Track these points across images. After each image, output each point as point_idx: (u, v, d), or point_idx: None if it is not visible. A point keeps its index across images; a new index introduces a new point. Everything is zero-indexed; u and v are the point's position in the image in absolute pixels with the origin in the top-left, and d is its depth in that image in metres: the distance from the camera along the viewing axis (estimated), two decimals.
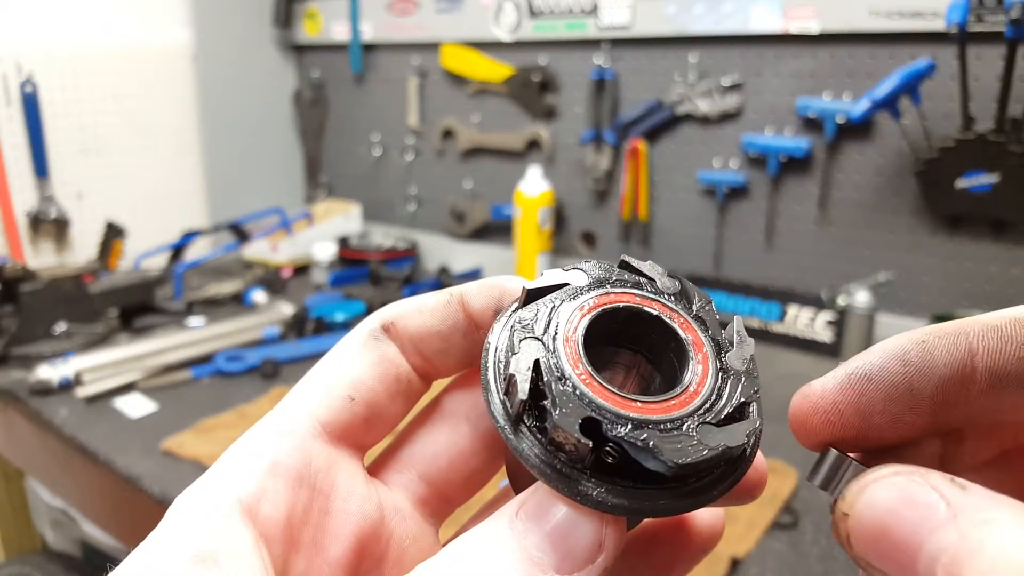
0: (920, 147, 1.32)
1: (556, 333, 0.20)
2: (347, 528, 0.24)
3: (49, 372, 1.27)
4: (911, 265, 1.41)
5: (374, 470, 0.26)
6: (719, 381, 0.21)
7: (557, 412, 0.19)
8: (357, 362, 0.25)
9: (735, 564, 0.86)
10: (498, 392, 0.20)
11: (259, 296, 1.74)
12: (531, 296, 0.21)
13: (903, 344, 0.20)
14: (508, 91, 1.84)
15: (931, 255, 1.39)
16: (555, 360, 0.20)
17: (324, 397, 0.24)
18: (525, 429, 0.19)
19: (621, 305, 0.22)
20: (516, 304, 0.22)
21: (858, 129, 1.41)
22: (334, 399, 0.24)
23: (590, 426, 0.19)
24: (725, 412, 0.20)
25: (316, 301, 1.71)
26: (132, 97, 1.94)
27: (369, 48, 2.09)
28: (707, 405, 0.20)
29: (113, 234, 1.81)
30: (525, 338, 0.20)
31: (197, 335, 1.47)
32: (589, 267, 0.23)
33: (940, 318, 1.27)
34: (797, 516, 0.95)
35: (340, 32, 2.10)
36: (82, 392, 1.24)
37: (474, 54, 1.87)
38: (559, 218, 1.82)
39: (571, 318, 0.21)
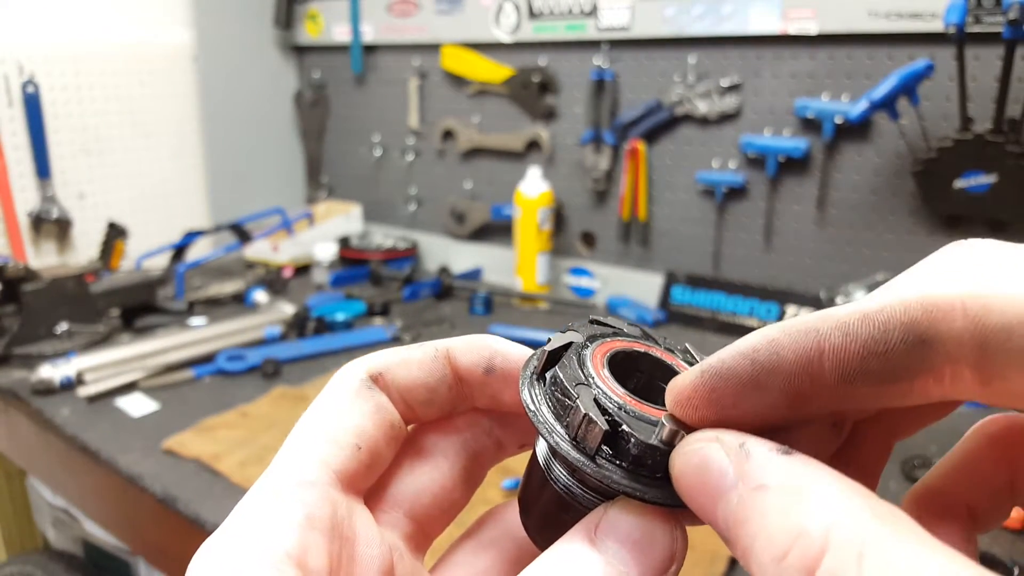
0: (918, 147, 1.33)
1: (593, 377, 0.24)
2: (371, 572, 0.24)
3: (51, 372, 1.27)
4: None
5: None
6: None
7: (639, 433, 0.21)
8: (356, 411, 0.26)
9: (734, 563, 0.87)
10: (568, 438, 0.22)
11: (260, 296, 1.74)
12: (552, 357, 0.25)
13: (754, 342, 0.20)
14: (508, 92, 1.85)
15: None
16: (608, 396, 0.23)
17: (333, 447, 0.25)
18: (602, 460, 0.22)
19: (618, 349, 0.26)
20: (534, 367, 0.25)
21: (856, 130, 1.41)
22: (343, 448, 0.25)
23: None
24: None
25: (317, 301, 1.71)
26: (133, 98, 1.95)
27: (370, 49, 2.09)
28: None
29: (115, 234, 1.82)
30: (578, 385, 0.23)
31: (198, 335, 1.48)
32: (576, 327, 0.27)
33: None
34: None
35: (341, 33, 2.11)
36: (84, 391, 1.25)
37: (474, 55, 1.87)
38: (559, 218, 1.82)
39: (594, 365, 0.24)
